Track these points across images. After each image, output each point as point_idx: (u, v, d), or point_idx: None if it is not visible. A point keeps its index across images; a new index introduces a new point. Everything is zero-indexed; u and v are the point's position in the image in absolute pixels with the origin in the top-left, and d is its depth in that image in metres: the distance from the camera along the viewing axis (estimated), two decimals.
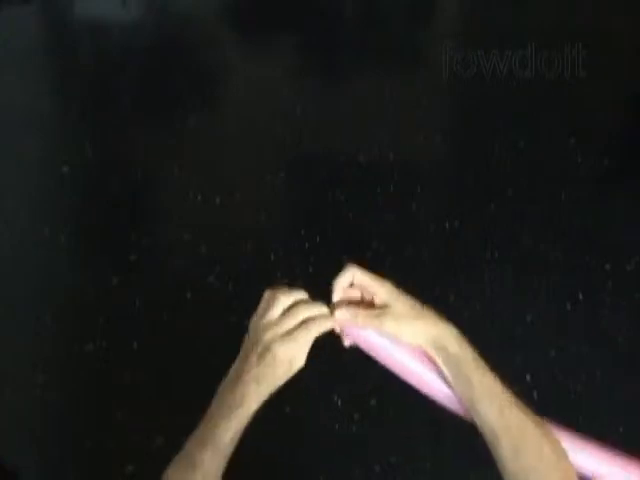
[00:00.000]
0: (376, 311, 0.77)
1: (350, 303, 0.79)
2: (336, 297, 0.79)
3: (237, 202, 2.62)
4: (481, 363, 0.74)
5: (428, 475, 1.80)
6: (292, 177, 2.74)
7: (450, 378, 0.75)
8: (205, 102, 3.19)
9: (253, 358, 0.77)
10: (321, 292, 0.79)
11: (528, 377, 1.98)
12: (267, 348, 0.77)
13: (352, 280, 0.79)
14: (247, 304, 0.82)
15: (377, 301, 0.78)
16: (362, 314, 0.77)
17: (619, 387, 1.98)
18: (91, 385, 2.04)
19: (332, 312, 0.79)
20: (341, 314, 0.78)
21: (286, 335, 0.77)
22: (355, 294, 0.80)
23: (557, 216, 2.54)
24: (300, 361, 0.77)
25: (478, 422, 0.73)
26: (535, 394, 1.89)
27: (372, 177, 2.71)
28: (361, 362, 2.04)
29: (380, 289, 0.78)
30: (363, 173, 2.74)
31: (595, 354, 2.07)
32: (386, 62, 3.43)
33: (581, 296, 2.23)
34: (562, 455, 0.74)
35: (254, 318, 0.80)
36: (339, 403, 1.90)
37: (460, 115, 3.14)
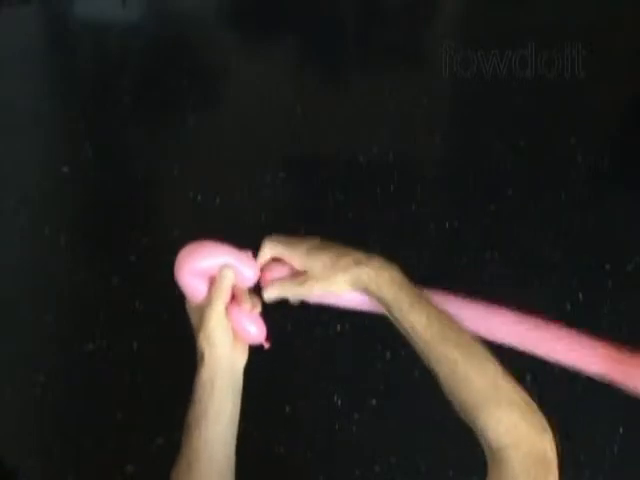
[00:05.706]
0: (299, 279, 0.76)
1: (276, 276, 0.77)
2: (262, 277, 0.78)
3: (237, 202, 2.61)
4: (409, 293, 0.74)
5: (428, 475, 1.80)
6: (292, 177, 2.74)
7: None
8: (205, 102, 3.19)
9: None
10: None
11: (528, 377, 1.98)
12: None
13: (272, 254, 0.78)
14: None
15: (296, 268, 0.77)
16: (288, 287, 0.76)
17: (619, 387, 1.98)
18: (91, 385, 2.04)
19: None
20: (270, 293, 0.77)
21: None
22: (281, 267, 0.78)
23: (557, 216, 2.54)
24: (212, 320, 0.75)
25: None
26: (535, 394, 1.89)
27: (372, 177, 2.71)
28: (361, 362, 2.04)
29: (293, 257, 0.77)
30: (363, 173, 2.73)
31: None
32: (386, 62, 3.43)
33: (581, 296, 2.23)
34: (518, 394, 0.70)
35: None
36: (339, 403, 1.90)
37: (460, 115, 3.14)
